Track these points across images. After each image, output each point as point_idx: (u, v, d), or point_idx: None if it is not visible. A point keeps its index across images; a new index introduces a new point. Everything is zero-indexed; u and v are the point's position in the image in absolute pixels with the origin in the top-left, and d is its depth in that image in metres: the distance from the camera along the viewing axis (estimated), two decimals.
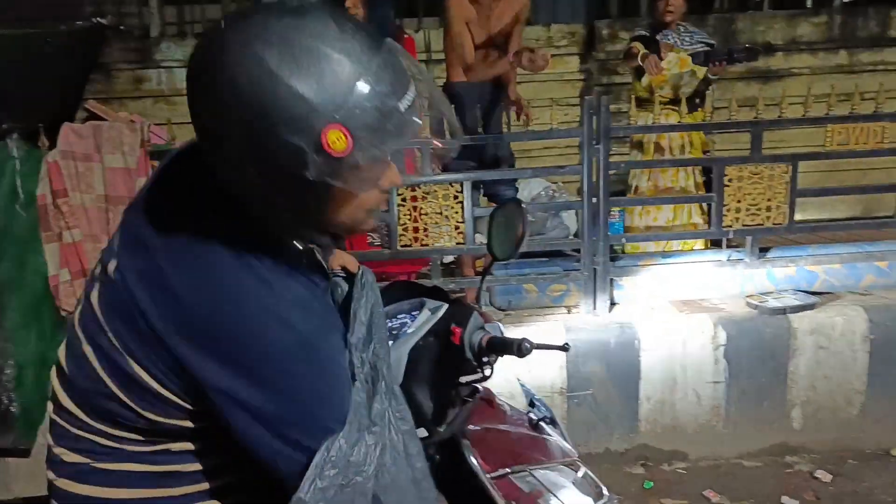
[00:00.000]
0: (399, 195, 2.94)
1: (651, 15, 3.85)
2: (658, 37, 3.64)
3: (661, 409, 2.92)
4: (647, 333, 2.89)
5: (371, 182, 0.83)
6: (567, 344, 1.25)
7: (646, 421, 2.92)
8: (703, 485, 2.74)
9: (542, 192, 4.05)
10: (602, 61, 4.84)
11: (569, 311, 3.11)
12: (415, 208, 2.98)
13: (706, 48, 3.62)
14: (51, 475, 0.97)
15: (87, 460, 0.93)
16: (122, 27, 4.68)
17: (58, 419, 0.96)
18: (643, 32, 3.73)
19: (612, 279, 3.07)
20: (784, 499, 2.62)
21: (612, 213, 3.38)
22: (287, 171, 0.77)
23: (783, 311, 2.92)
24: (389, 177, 0.87)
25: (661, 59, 3.47)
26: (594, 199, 2.98)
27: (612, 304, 3.09)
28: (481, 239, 3.03)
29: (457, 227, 2.98)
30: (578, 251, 3.08)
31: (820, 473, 2.77)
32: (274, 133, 0.75)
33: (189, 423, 0.90)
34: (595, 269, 3.02)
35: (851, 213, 4.66)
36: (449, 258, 3.63)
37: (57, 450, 0.96)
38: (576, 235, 3.99)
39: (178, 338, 0.82)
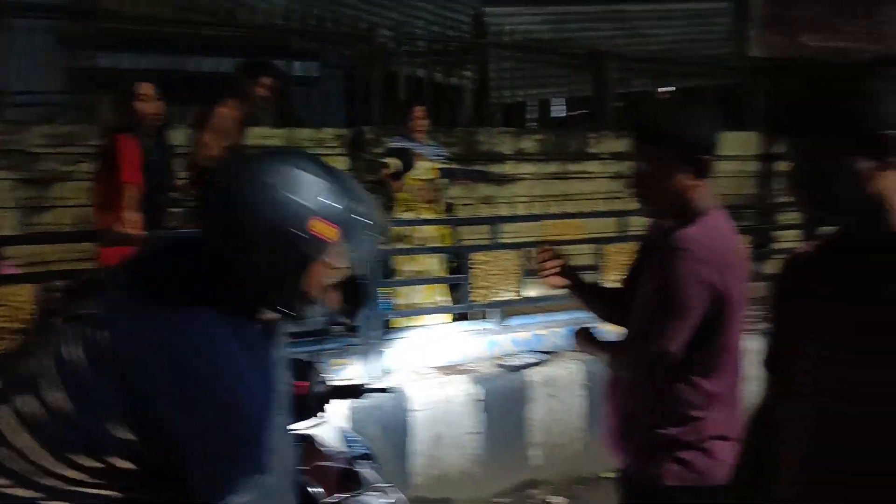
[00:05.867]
0: None
1: (404, 125, 4.57)
2: (412, 147, 4.37)
3: (430, 462, 3.35)
4: (416, 396, 3.34)
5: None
6: (391, 387, 1.62)
7: (417, 474, 3.32)
8: None
9: None
10: (368, 161, 5.46)
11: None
12: None
13: (444, 160, 4.51)
14: None
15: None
16: None
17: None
18: (397, 145, 4.44)
19: (382, 350, 3.50)
20: None
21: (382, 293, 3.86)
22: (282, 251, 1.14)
23: (522, 367, 3.59)
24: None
25: (412, 167, 4.29)
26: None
27: (386, 372, 3.51)
28: None
29: None
30: (353, 328, 3.48)
31: (555, 500, 3.39)
32: (279, 227, 1.13)
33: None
34: (370, 342, 3.44)
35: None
36: None
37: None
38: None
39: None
